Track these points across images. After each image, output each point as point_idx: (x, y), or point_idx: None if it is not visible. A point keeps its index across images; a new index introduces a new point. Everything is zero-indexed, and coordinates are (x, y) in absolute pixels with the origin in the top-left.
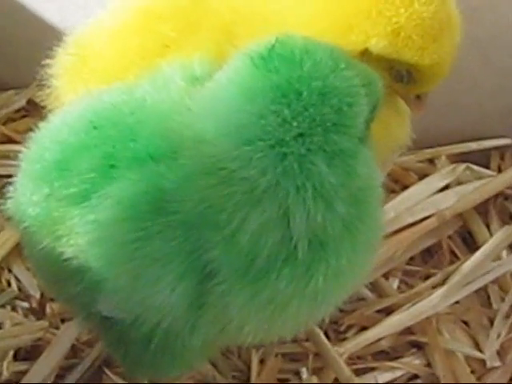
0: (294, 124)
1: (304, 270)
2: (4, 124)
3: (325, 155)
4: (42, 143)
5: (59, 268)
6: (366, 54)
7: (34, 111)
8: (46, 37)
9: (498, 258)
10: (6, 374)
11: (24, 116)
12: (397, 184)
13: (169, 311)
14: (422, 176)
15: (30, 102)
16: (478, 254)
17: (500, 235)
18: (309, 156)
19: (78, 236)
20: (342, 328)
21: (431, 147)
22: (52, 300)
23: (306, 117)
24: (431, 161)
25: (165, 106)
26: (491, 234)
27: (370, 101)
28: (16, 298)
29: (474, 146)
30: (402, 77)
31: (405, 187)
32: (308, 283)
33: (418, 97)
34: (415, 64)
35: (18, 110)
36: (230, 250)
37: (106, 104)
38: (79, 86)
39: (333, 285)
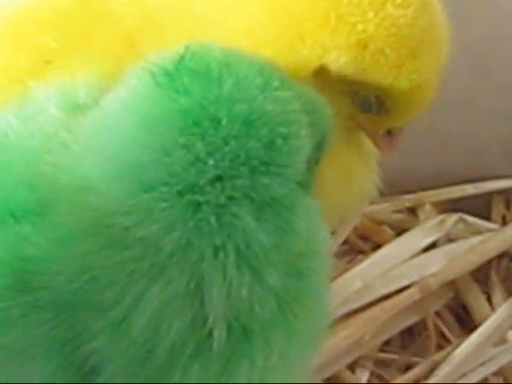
0: (211, 162)
1: (220, 368)
2: None
3: (252, 205)
4: None
5: None
6: (321, 75)
7: None
8: None
9: (502, 340)
10: None
11: None
12: (366, 242)
13: None
14: (400, 231)
15: None
16: (475, 336)
17: (504, 310)
18: (230, 206)
19: None
20: None
21: (412, 192)
22: None
23: (227, 153)
24: (412, 210)
25: (33, 144)
26: (493, 309)
27: (314, 133)
28: None
29: (469, 189)
30: (369, 105)
31: (377, 246)
32: None
33: (389, 132)
34: (388, 87)
35: None
36: (118, 340)
37: None
38: None
39: None
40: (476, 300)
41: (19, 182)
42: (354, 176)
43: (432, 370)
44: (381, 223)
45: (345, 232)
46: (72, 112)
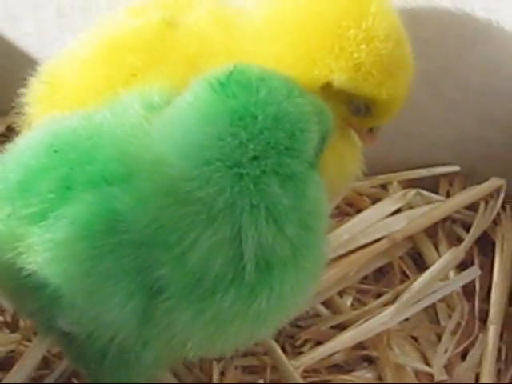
0: (250, 146)
1: (249, 292)
2: None
3: (278, 177)
4: (8, 165)
5: (19, 284)
6: (326, 88)
7: (13, 136)
8: (23, 68)
9: (446, 277)
10: None
11: (3, 141)
12: (351, 208)
13: (120, 327)
14: (375, 200)
15: (9, 128)
16: (426, 274)
17: (447, 256)
18: (263, 177)
19: (37, 254)
20: (298, 343)
21: (384, 173)
22: None
23: (261, 140)
24: (384, 186)
25: (122, 131)
26: (439, 255)
27: (320, 129)
28: None
29: (424, 172)
30: (359, 110)
31: (358, 211)
32: (251, 305)
33: (371, 130)
34: (373, 98)
35: None
36: (178, 269)
37: (66, 129)
38: (50, 112)
39: (274, 308)
40: (428, 249)
41: (111, 158)
42: (346, 161)
43: (396, 297)
44: (362, 195)
45: (336, 200)
46: (149, 110)
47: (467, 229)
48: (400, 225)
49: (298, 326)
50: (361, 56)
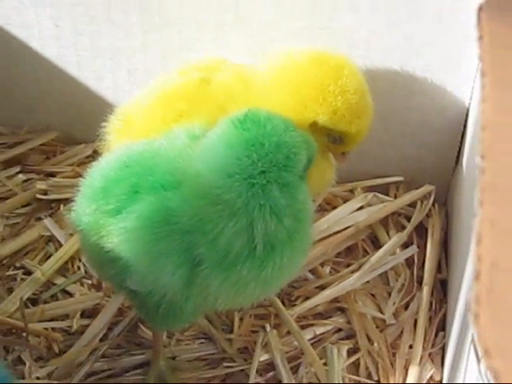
0: (259, 164)
1: (259, 264)
2: (78, 166)
3: (278, 185)
4: (93, 175)
5: (101, 257)
6: (313, 125)
7: (97, 157)
8: (105, 110)
9: (394, 253)
10: (75, 327)
11: (91, 160)
12: (329, 205)
13: (170, 288)
14: (345, 200)
15: (95, 151)
16: (381, 251)
17: (395, 239)
18: (268, 185)
19: (114, 237)
20: (293, 298)
21: (351, 182)
22: None
23: (267, 160)
24: (351, 190)
25: (173, 154)
26: (389, 238)
27: (307, 153)
28: (83, 277)
29: (379, 181)
30: (335, 140)
31: (334, 208)
32: (261, 273)
33: (343, 153)
34: (345, 132)
35: (87, 157)
36: (211, 249)
37: (135, 151)
38: (123, 140)
39: (277, 275)
40: (382, 234)
41: (166, 172)
42: (325, 174)
43: (360, 266)
44: (336, 196)
45: (319, 200)
46: (192, 140)
47: (409, 220)
48: (362, 217)
49: (293, 287)
50: (337, 104)
